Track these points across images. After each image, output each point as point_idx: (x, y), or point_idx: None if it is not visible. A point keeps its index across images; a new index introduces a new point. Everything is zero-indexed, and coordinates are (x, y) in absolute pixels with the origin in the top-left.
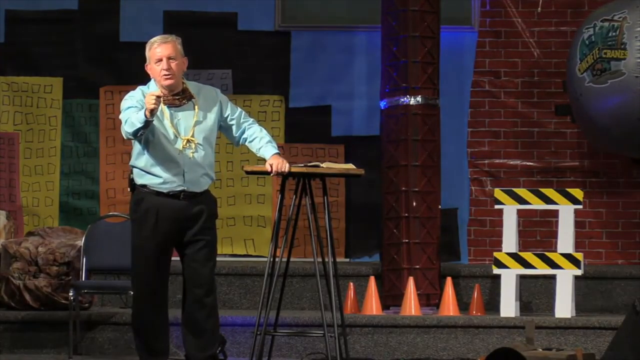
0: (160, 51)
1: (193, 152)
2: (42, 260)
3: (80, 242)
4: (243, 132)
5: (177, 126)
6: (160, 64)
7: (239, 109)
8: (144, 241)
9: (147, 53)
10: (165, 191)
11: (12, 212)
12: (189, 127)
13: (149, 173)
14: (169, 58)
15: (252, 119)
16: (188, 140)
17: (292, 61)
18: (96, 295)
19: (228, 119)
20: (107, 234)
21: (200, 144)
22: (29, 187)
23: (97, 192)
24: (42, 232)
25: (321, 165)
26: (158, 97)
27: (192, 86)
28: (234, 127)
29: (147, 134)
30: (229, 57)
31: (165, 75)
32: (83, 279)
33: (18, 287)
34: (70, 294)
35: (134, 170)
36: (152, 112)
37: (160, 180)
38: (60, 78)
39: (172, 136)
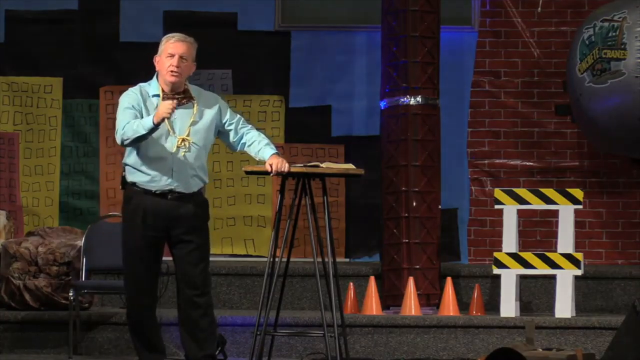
0: (176, 47)
1: (185, 152)
2: (42, 260)
3: (80, 242)
4: (241, 138)
5: (173, 124)
6: (171, 60)
7: (238, 115)
8: (133, 239)
9: (162, 45)
10: (153, 190)
11: (12, 212)
12: (185, 127)
13: (139, 170)
14: (181, 56)
15: (250, 125)
16: (183, 139)
17: (292, 61)
18: (96, 295)
19: (226, 124)
20: (107, 234)
21: (195, 144)
22: (29, 187)
23: (97, 192)
24: (42, 232)
25: (321, 165)
26: (174, 107)
27: (193, 89)
28: (231, 133)
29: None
30: (229, 57)
31: (172, 71)
32: (83, 279)
33: (18, 287)
34: (70, 294)
35: (126, 167)
36: (163, 119)
37: (149, 178)
38: (60, 78)
39: (166, 134)
